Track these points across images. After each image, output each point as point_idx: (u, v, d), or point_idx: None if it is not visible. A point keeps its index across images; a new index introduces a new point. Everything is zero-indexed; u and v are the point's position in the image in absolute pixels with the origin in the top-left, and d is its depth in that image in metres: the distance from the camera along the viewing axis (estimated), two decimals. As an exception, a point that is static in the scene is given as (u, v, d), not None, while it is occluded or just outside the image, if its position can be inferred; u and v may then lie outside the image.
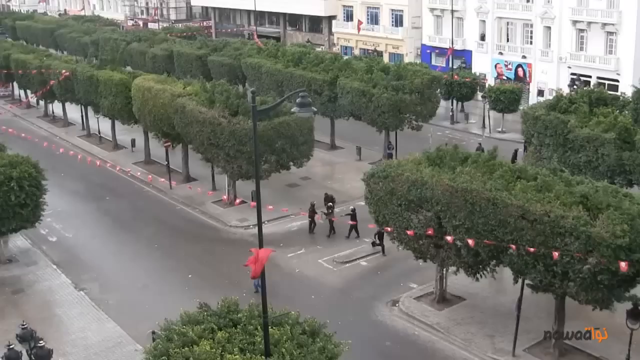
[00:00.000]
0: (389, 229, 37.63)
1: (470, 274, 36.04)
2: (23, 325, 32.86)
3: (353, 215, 48.78)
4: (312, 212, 50.04)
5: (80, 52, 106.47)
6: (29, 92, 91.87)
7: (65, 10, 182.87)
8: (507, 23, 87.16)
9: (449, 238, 34.18)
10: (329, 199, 51.77)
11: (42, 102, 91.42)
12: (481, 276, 36.24)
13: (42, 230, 51.34)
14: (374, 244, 46.88)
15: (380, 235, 45.50)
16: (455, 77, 77.83)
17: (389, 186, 36.97)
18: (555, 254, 29.95)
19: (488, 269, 35.32)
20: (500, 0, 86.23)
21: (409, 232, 36.30)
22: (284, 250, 47.19)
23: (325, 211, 50.30)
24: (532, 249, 30.80)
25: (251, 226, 51.36)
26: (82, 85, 72.60)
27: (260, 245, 23.96)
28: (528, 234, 31.07)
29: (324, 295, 41.88)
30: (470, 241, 33.12)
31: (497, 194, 32.22)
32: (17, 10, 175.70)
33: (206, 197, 57.00)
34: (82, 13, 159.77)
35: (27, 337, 32.59)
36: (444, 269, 38.78)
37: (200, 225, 53.30)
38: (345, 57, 77.05)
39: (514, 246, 31.57)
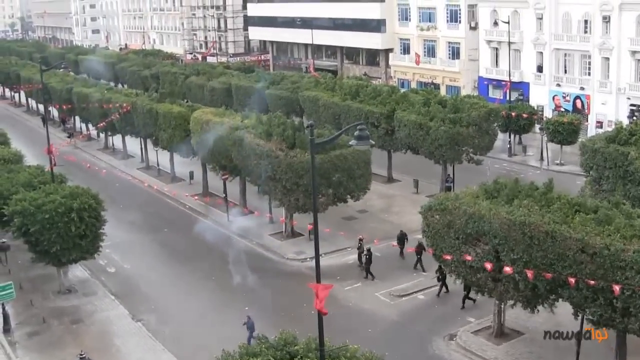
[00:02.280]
0: (448, 257, 37.28)
1: (528, 307, 35.62)
2: (81, 354, 33.28)
3: (368, 258, 48.67)
4: (420, 248, 47.93)
5: (140, 86, 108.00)
6: (89, 125, 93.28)
7: (126, 44, 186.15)
8: (565, 54, 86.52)
9: (507, 269, 33.81)
10: (402, 236, 51.52)
11: (102, 135, 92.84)
12: (538, 311, 35.84)
13: (101, 261, 51.94)
14: (438, 279, 45.66)
15: (442, 275, 44.70)
16: (513, 114, 77.16)
17: (447, 219, 36.79)
18: (616, 288, 29.49)
19: (546, 304, 34.90)
20: (557, 32, 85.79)
21: (466, 257, 35.90)
22: (341, 283, 47.03)
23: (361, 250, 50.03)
24: (592, 282, 30.37)
25: (308, 259, 51.40)
26: (141, 118, 73.62)
27: (318, 279, 23.91)
28: (588, 267, 30.66)
29: (381, 329, 41.67)
30: (529, 273, 32.75)
31: (556, 227, 31.88)
32: (79, 45, 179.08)
33: (263, 229, 57.23)
34: (143, 47, 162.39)
35: (85, 367, 33.00)
36: (502, 303, 38.39)
37: (257, 258, 53.33)
38: (402, 90, 77.09)
39: (573, 280, 31.16)
